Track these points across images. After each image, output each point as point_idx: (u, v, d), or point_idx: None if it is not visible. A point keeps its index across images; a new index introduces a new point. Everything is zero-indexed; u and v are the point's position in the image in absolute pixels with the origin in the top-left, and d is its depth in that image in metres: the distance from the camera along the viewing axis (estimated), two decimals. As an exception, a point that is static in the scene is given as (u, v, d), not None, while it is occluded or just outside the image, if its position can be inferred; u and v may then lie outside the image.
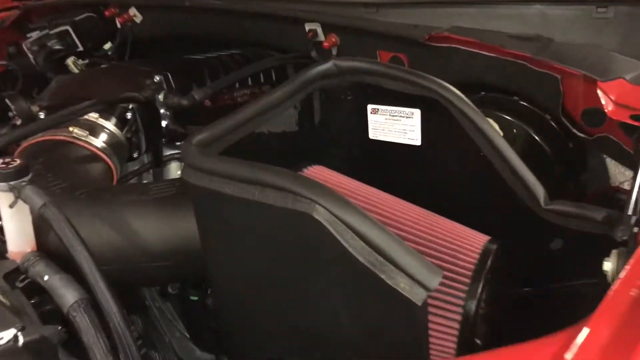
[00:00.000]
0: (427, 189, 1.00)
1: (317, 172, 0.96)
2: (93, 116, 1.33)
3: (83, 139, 1.26)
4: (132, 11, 1.89)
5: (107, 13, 1.96)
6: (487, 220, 0.93)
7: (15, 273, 0.94)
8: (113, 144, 1.32)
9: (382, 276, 0.65)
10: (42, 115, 1.40)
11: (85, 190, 1.03)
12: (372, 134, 1.11)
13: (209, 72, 1.63)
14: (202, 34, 1.79)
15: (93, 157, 1.25)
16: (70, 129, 1.26)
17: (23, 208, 0.93)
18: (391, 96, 1.06)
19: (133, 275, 0.98)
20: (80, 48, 2.02)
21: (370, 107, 1.10)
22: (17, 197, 0.90)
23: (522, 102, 1.25)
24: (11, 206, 0.91)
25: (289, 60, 1.62)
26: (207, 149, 0.81)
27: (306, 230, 0.70)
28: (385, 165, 1.12)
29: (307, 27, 1.49)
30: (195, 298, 1.17)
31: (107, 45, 2.04)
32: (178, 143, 1.56)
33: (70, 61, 2.02)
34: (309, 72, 1.06)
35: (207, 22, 1.74)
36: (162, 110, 1.48)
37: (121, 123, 1.39)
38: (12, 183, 0.90)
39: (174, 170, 1.57)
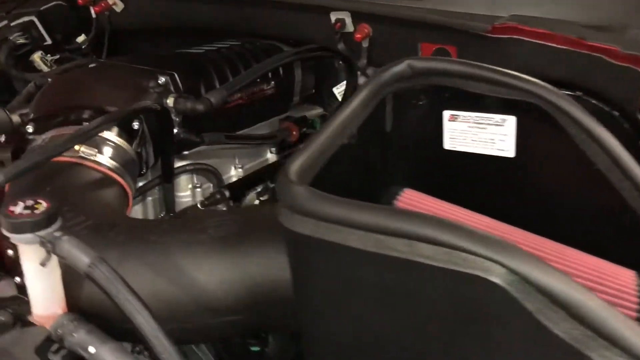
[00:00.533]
0: (522, 208, 0.87)
1: (416, 200, 0.81)
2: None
3: (92, 158, 1.05)
4: (112, -1, 1.66)
5: (80, 1, 1.71)
6: (601, 246, 0.80)
7: (47, 343, 0.75)
8: (124, 162, 1.11)
9: (592, 355, 0.51)
10: (30, 128, 1.17)
11: (119, 229, 0.84)
12: (449, 144, 0.96)
13: (215, 69, 1.42)
14: (196, 25, 1.58)
15: (106, 180, 1.05)
16: (76, 147, 1.05)
17: (52, 262, 0.73)
18: (473, 100, 0.91)
19: (195, 334, 0.80)
20: (49, 41, 1.77)
21: (447, 113, 0.94)
22: (51, 253, 0.70)
23: (586, 98, 1.13)
24: (43, 264, 0.71)
25: (311, 54, 1.44)
26: (306, 185, 0.64)
27: (475, 294, 0.55)
28: (463, 180, 0.97)
29: (334, 16, 1.31)
30: (257, 349, 0.99)
31: (81, 38, 1.79)
32: (186, 152, 1.36)
33: (36, 57, 1.76)
34: (383, 75, 0.89)
35: (202, 11, 1.54)
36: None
37: (127, 134, 1.18)
38: (42, 234, 0.71)
39: (184, 184, 1.37)
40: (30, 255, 0.73)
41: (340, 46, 1.32)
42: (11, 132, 1.23)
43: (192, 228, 0.83)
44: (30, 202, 0.73)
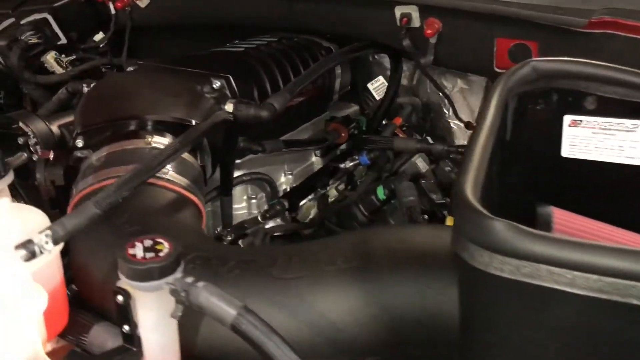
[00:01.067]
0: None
1: (573, 223, 0.73)
2: (159, 141, 1.01)
3: (165, 177, 0.94)
4: (137, -7, 1.53)
5: (99, -4, 1.57)
6: None
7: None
8: (193, 177, 1.01)
9: None
10: (80, 143, 1.04)
11: (232, 263, 0.74)
12: (568, 151, 0.88)
13: (264, 69, 1.31)
14: (233, 21, 1.47)
15: (182, 200, 0.94)
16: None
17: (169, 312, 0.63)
18: (600, 105, 0.84)
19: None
20: (63, 40, 1.62)
21: (568, 118, 0.87)
22: (184, 303, 0.60)
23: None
24: (175, 316, 0.61)
25: (364, 50, 1.35)
26: (507, 221, 0.55)
27: None
28: (585, 190, 0.90)
29: (399, 11, 1.22)
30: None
31: (98, 37, 1.65)
32: (239, 160, 1.26)
33: (50, 57, 1.62)
34: (510, 78, 0.81)
35: (242, 6, 1.42)
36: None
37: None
38: (172, 281, 0.60)
39: (239, 196, 1.27)
40: (150, 304, 0.63)
41: (406, 43, 1.23)
42: (56, 146, 1.11)
43: (316, 259, 0.73)
44: (149, 243, 0.62)
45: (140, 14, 1.56)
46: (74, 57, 1.62)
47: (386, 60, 1.69)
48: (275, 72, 1.34)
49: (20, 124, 1.11)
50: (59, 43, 1.62)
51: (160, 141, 1.00)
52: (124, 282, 0.62)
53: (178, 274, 0.61)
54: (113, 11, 1.58)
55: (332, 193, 1.42)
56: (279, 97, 1.15)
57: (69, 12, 1.59)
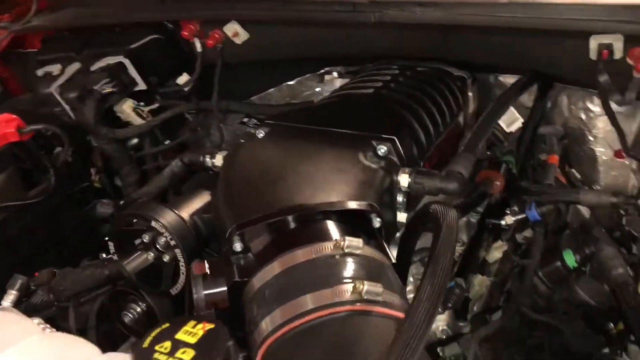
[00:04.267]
0: None
1: None
2: (354, 244, 0.77)
3: (379, 299, 0.70)
4: (233, 28, 1.28)
5: (185, 33, 1.32)
6: None
7: None
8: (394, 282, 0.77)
9: None
10: (237, 246, 0.81)
11: None
12: None
13: (411, 115, 1.08)
14: (347, 54, 1.23)
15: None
16: (345, 286, 0.70)
17: None
18: None
19: None
20: (142, 86, 1.38)
21: None
22: None
23: None
24: None
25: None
26: None
27: None
28: None
29: (597, 41, 0.98)
30: None
31: (183, 79, 1.41)
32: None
33: (127, 107, 1.38)
34: None
35: (378, 35, 1.18)
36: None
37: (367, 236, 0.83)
38: None
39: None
40: None
41: (603, 79, 1.00)
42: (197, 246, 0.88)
43: None
44: None
45: (232, 51, 1.32)
46: (157, 105, 1.37)
47: (510, 80, 1.46)
48: (423, 115, 1.10)
49: (153, 221, 0.87)
50: (136, 89, 1.38)
51: (355, 244, 0.76)
52: None
53: None
54: (199, 49, 1.34)
55: (493, 256, 1.19)
56: (463, 161, 0.92)
57: (149, 54, 1.35)
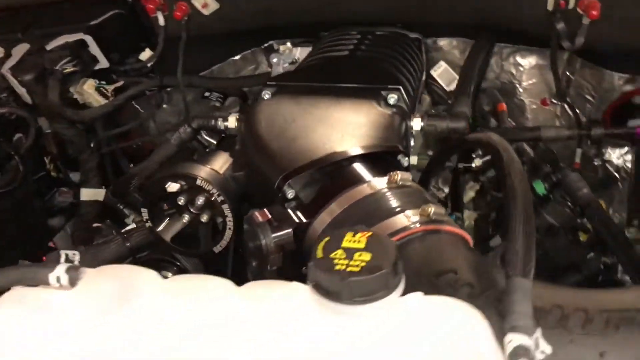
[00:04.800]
0: None
1: None
2: (405, 177, 0.85)
3: (445, 219, 0.79)
4: (202, -1, 1.28)
5: (150, 6, 1.30)
6: None
7: None
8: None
9: None
10: (290, 193, 0.85)
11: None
12: None
13: (399, 73, 1.17)
14: (333, 19, 1.29)
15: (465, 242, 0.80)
16: (408, 211, 0.78)
17: None
18: None
19: None
20: (104, 64, 1.34)
21: None
22: None
23: None
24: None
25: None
26: None
27: None
28: None
29: (554, -6, 1.13)
30: None
31: (146, 54, 1.38)
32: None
33: (88, 87, 1.33)
34: None
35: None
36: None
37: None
38: None
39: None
40: None
41: (560, 26, 1.15)
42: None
43: None
44: None
45: (199, 23, 1.32)
46: (122, 83, 1.34)
47: (445, 44, 1.61)
48: (404, 71, 1.20)
49: (199, 180, 0.88)
50: (97, 68, 1.33)
51: (407, 177, 0.84)
52: None
53: None
54: (162, 22, 1.32)
55: (468, 196, 1.32)
56: (462, 102, 1.03)
57: (110, 30, 1.31)
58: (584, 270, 1.11)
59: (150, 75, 1.41)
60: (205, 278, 0.61)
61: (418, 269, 0.73)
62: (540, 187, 1.22)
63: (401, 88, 1.03)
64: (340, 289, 0.51)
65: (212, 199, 0.89)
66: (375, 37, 1.37)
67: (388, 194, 0.81)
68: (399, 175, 0.83)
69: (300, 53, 1.46)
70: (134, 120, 1.51)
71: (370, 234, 0.56)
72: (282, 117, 0.98)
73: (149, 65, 1.38)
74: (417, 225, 0.75)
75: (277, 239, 0.81)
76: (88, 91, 1.33)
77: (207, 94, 1.48)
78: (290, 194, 0.86)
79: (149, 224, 0.92)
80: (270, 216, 0.83)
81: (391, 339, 0.51)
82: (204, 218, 0.92)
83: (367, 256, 0.53)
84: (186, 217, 0.92)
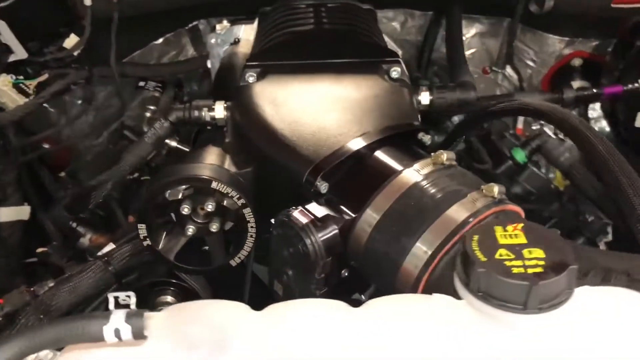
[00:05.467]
0: None
1: None
2: (450, 154, 0.76)
3: (505, 197, 0.72)
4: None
5: (75, -18, 1.08)
6: None
7: None
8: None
9: None
10: (323, 187, 0.73)
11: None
12: None
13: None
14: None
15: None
16: (473, 193, 0.70)
17: None
18: None
19: None
20: (21, 55, 1.10)
21: None
22: None
23: None
24: None
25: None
26: None
27: None
28: None
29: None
30: None
31: (70, 41, 1.15)
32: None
33: (3, 85, 1.09)
34: None
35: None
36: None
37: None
38: None
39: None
40: None
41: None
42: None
43: None
44: None
45: (131, 2, 1.13)
46: (47, 75, 1.11)
47: (389, 15, 1.55)
48: (378, 43, 1.11)
49: (214, 183, 0.72)
50: (12, 60, 1.09)
51: (451, 156, 0.76)
52: None
53: None
54: (88, 2, 1.11)
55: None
56: (464, 71, 0.97)
57: (25, 13, 1.07)
58: (586, 232, 1.11)
59: (74, 65, 1.19)
60: (313, 303, 0.49)
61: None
62: (521, 155, 1.20)
63: (400, 60, 0.95)
64: (527, 297, 0.42)
65: (224, 203, 0.75)
66: (331, 9, 1.26)
67: (441, 177, 0.73)
68: (445, 155, 0.75)
69: (244, 32, 1.32)
70: (46, 122, 1.28)
71: (522, 224, 0.47)
72: (285, 100, 0.85)
73: (75, 53, 1.16)
74: (491, 207, 0.68)
75: (324, 239, 0.70)
76: (2, 89, 1.09)
77: (141, 83, 1.29)
78: (323, 187, 0.74)
79: (147, 242, 0.75)
80: (312, 216, 0.71)
81: (582, 341, 0.43)
82: (214, 227, 0.77)
83: (538, 252, 0.44)
84: (191, 229, 0.77)
